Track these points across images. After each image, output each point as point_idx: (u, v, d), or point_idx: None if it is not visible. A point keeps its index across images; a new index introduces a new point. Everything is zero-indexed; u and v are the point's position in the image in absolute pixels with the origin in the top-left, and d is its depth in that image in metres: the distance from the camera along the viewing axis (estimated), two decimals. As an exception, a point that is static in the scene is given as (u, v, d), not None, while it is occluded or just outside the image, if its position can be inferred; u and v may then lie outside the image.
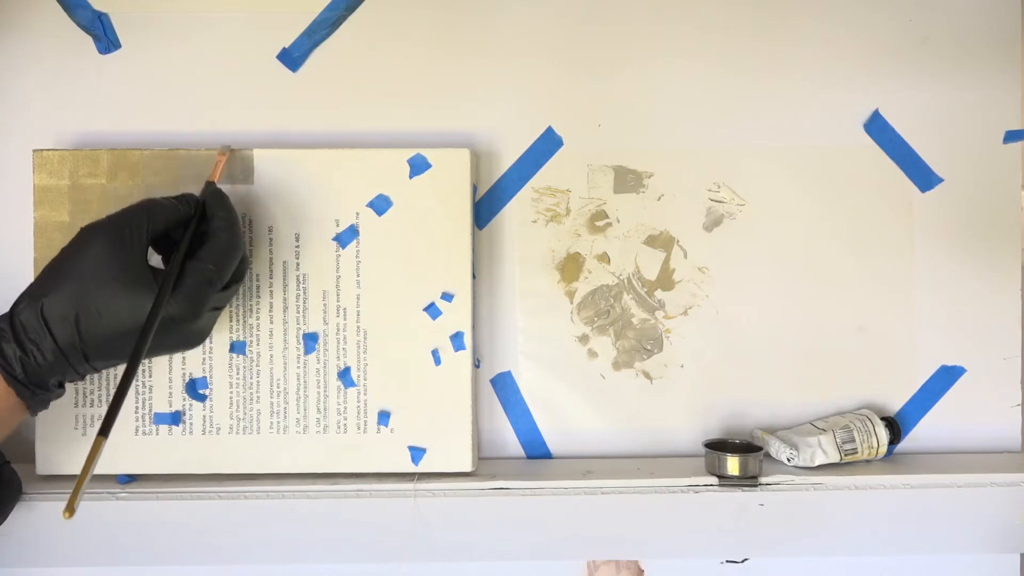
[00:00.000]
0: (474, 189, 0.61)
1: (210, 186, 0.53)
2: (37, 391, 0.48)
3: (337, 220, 0.59)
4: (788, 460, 0.60)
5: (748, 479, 0.58)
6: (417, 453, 0.58)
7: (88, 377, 0.58)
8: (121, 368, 0.48)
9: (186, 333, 0.50)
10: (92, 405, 0.58)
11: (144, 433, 0.58)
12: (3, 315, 0.48)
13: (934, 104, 0.63)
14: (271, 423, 0.59)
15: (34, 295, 0.48)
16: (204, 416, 0.59)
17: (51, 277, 0.48)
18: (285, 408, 0.59)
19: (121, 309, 0.47)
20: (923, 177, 0.64)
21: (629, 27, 0.64)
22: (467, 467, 0.59)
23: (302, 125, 0.63)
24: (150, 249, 0.50)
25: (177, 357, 0.59)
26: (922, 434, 0.64)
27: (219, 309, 0.52)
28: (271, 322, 0.59)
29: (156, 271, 0.49)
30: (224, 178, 0.58)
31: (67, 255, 0.49)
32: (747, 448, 0.59)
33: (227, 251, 0.51)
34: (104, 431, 0.46)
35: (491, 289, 0.63)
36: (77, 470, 0.57)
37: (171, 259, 0.50)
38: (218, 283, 0.50)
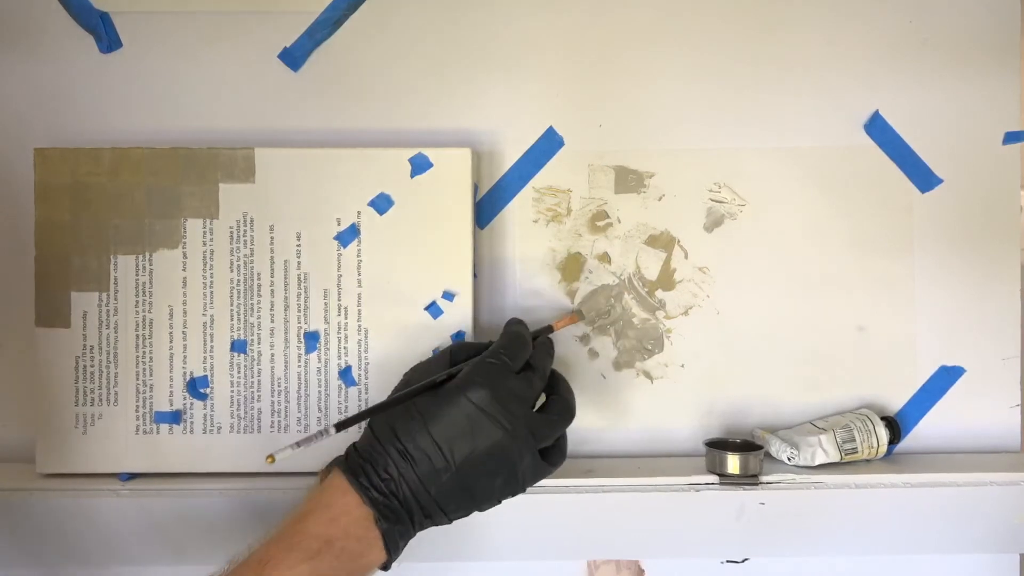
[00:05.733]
0: (475, 188, 0.61)
1: (548, 331, 0.57)
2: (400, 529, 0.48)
3: (338, 219, 0.59)
4: (788, 459, 0.60)
5: (749, 478, 0.58)
6: (418, 452, 0.58)
7: (90, 374, 0.58)
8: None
9: (525, 462, 0.49)
10: (92, 404, 0.58)
11: (145, 432, 0.58)
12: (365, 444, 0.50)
13: (934, 105, 0.64)
14: (272, 422, 0.59)
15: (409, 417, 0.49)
16: (205, 415, 0.59)
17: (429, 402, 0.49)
18: (286, 407, 0.59)
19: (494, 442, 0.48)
20: (923, 177, 0.64)
21: (630, 27, 0.64)
22: (468, 466, 0.59)
23: (303, 124, 0.63)
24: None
25: (178, 354, 0.58)
26: (922, 434, 0.64)
27: (536, 454, 0.50)
28: (272, 321, 0.59)
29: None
30: (225, 177, 0.58)
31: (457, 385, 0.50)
32: (748, 447, 0.60)
33: (571, 410, 0.52)
34: (340, 426, 0.49)
35: (492, 289, 0.63)
36: (77, 469, 0.58)
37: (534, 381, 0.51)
38: (563, 426, 0.51)
